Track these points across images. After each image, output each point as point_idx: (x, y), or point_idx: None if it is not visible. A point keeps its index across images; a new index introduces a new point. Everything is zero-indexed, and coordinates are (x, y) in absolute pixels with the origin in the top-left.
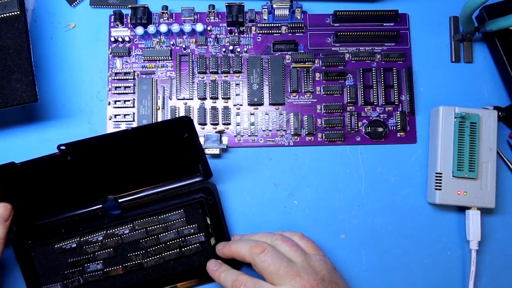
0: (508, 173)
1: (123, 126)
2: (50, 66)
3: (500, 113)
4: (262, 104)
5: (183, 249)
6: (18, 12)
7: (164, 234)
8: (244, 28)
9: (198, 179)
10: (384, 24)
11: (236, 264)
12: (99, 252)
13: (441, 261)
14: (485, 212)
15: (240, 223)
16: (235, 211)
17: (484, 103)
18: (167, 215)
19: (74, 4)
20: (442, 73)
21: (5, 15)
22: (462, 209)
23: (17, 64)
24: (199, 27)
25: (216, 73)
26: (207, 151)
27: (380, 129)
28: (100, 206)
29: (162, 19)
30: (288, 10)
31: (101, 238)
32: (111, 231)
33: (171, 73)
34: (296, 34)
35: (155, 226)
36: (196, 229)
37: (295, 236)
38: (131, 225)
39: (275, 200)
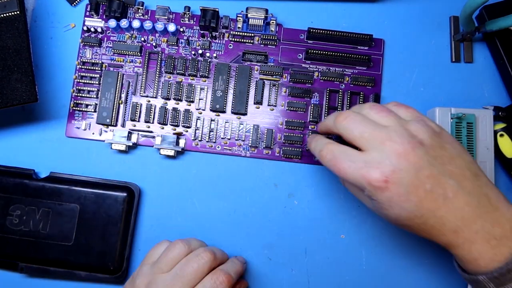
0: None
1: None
2: (50, 66)
3: (500, 113)
4: (224, 112)
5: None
6: (18, 12)
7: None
8: (217, 33)
9: None
10: (358, 47)
11: None
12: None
13: (441, 261)
14: None
15: (241, 222)
16: (236, 211)
17: (484, 103)
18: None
19: (74, 4)
20: (442, 73)
21: (5, 15)
22: None
23: (17, 64)
24: (171, 27)
25: (183, 75)
26: (162, 152)
27: None
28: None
29: (137, 15)
30: (262, 21)
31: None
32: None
33: (138, 69)
34: (269, 46)
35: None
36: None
37: (388, 105)
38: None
39: (275, 200)
